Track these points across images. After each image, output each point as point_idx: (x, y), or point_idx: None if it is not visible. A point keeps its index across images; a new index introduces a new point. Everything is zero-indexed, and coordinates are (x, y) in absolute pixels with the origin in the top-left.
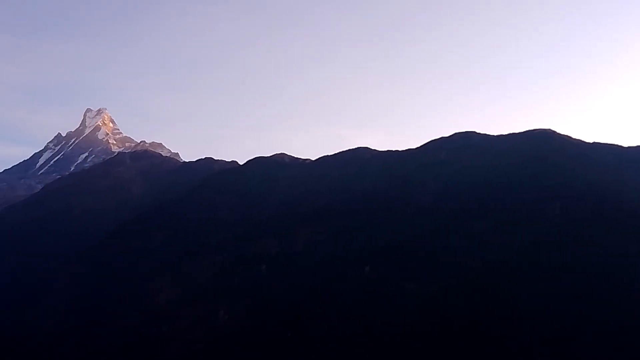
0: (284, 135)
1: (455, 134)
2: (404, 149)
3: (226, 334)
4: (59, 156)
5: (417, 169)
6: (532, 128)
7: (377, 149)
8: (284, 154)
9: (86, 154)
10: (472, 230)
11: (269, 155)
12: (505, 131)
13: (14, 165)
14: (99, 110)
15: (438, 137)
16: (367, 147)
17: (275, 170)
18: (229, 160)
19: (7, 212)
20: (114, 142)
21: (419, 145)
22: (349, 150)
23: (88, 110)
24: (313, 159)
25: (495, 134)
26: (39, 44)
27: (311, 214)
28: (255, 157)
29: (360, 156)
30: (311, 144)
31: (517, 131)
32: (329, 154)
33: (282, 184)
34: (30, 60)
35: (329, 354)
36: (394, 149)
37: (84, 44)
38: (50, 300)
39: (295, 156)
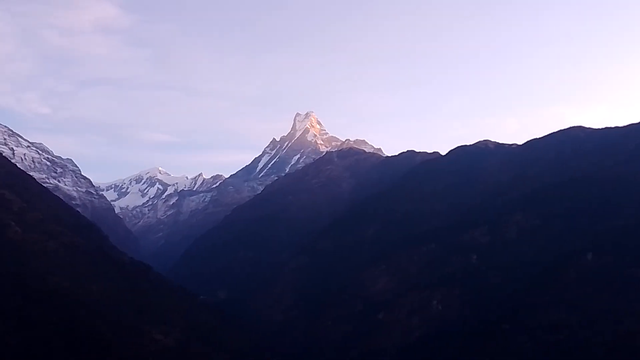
0: (490, 122)
1: None
2: (624, 124)
3: (441, 324)
4: (275, 159)
5: None
6: None
7: (592, 126)
8: (487, 140)
9: (298, 155)
10: None
11: (471, 144)
12: None
13: (238, 170)
14: (307, 113)
15: None
16: (581, 126)
17: (480, 157)
18: (431, 151)
19: (236, 212)
20: (322, 143)
21: None
22: (560, 131)
23: (297, 114)
24: (519, 144)
25: None
26: (254, 59)
27: (523, 200)
28: (458, 147)
29: (575, 136)
30: (520, 128)
31: None
32: (537, 136)
33: (488, 170)
34: (247, 74)
35: (550, 348)
36: (613, 126)
37: (288, 54)
38: (278, 290)
39: (501, 142)
